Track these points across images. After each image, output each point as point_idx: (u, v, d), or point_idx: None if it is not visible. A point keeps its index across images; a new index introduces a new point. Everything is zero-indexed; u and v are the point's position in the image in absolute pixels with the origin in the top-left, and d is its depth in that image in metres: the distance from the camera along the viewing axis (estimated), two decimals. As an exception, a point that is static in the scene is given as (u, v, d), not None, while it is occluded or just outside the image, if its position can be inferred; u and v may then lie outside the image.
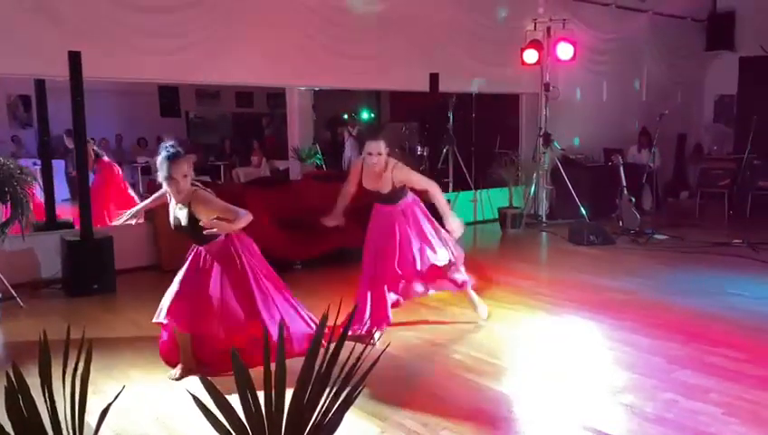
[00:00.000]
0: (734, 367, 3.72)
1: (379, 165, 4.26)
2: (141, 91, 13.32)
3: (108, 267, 5.75)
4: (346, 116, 13.00)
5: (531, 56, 8.81)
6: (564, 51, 8.67)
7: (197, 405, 1.84)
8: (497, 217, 9.06)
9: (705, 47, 11.34)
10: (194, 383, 1.88)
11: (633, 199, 8.48)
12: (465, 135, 10.35)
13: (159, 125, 14.35)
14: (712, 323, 4.59)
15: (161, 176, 3.63)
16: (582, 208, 8.55)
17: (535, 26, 8.95)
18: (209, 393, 1.82)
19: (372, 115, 13.83)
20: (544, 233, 8.58)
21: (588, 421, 3.07)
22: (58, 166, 9.18)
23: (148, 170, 12.19)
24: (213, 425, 1.85)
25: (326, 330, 1.99)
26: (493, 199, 9.38)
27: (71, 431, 1.85)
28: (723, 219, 9.30)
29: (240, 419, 1.83)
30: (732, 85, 10.82)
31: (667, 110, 9.07)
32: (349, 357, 1.86)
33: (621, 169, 8.57)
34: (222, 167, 12.60)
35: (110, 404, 1.89)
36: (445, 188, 9.48)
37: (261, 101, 15.43)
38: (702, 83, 11.61)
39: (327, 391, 1.84)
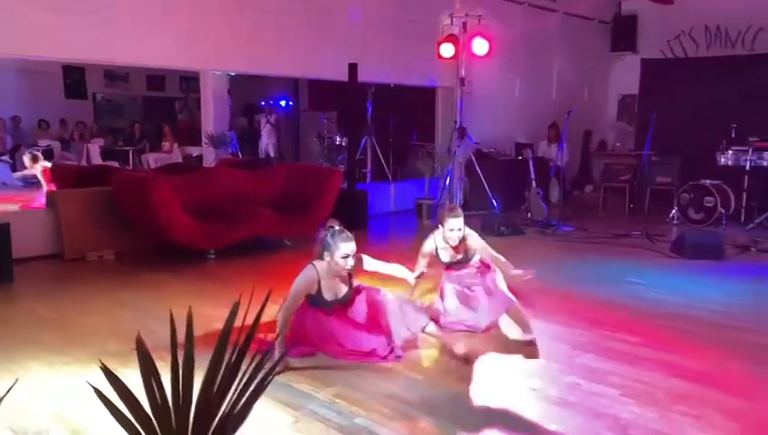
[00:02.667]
0: (632, 351, 3.94)
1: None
2: (43, 71, 12.57)
3: (4, 256, 5.39)
4: (263, 103, 12.79)
5: (447, 50, 8.92)
6: (480, 46, 8.84)
7: (100, 399, 1.77)
8: (414, 207, 9.20)
9: (611, 48, 11.90)
10: (96, 376, 1.80)
11: (541, 192, 8.82)
12: (383, 126, 10.42)
13: (63, 107, 13.61)
14: (613, 309, 4.85)
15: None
16: (494, 200, 8.80)
17: (452, 21, 9.08)
18: (113, 386, 1.75)
19: (290, 103, 13.67)
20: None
21: (497, 405, 3.17)
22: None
23: (50, 154, 11.53)
24: (117, 419, 1.79)
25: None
26: (410, 191, 9.50)
27: (-42, 429, 1.74)
28: (624, 212, 9.83)
29: (146, 412, 1.78)
30: (634, 85, 11.41)
31: (574, 107, 9.45)
32: (259, 346, 1.84)
33: (531, 162, 8.89)
34: (131, 152, 12.11)
35: (0, 399, 1.79)
36: (363, 179, 9.54)
37: (173, 85, 14.92)
38: (607, 83, 12.19)
39: (237, 380, 1.81)
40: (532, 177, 8.80)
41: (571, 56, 11.18)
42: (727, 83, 9.51)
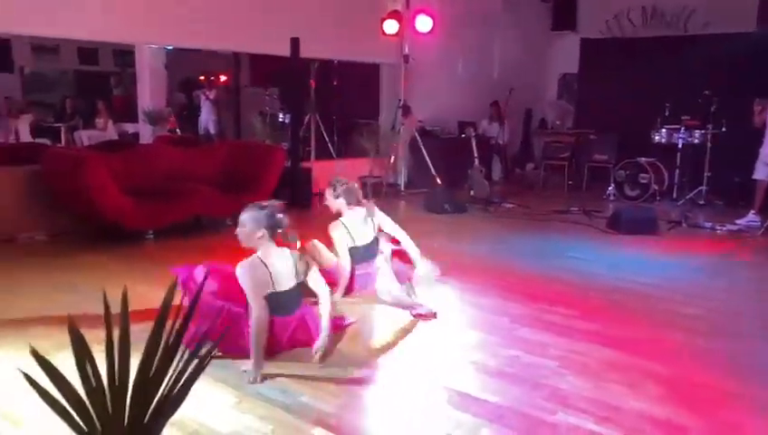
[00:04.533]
0: (568, 323, 4.06)
1: None
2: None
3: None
4: (202, 78, 12.45)
5: (391, 27, 8.90)
6: (423, 23, 8.85)
7: (31, 384, 1.70)
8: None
9: (552, 27, 12.08)
10: (28, 361, 1.73)
11: (483, 170, 8.94)
12: (327, 103, 10.32)
13: (-12, 81, 12.93)
14: (551, 283, 4.98)
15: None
16: (437, 178, 8.87)
17: (395, -3, 9.03)
18: (44, 370, 1.69)
19: (231, 78, 13.34)
20: (402, 201, 8.84)
21: (440, 379, 3.22)
22: None
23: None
24: (50, 405, 1.73)
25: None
26: (354, 168, 9.45)
27: None
28: (563, 189, 10.07)
29: (80, 396, 1.72)
30: (574, 64, 11.63)
31: (515, 85, 9.57)
32: (199, 327, 1.80)
33: (473, 140, 8.99)
34: (63, 129, 11.61)
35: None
36: (307, 157, 9.43)
37: (107, 59, 14.35)
38: (548, 61, 12.37)
39: (175, 361, 1.77)
40: (475, 155, 8.90)
41: (512, 34, 11.27)
42: (662, 63, 9.81)
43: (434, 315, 4.15)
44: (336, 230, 4.48)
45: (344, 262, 4.45)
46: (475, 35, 10.55)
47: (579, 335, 3.86)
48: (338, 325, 3.81)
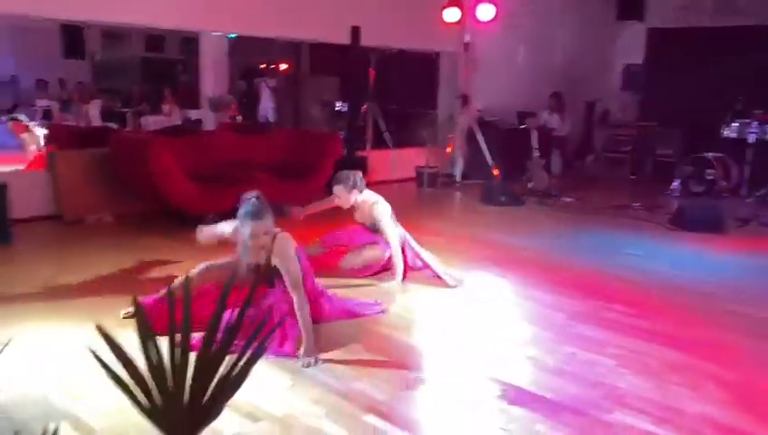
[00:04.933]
0: (627, 321, 3.96)
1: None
2: (40, 29, 12.39)
3: (2, 217, 5.38)
4: (263, 66, 12.63)
5: (452, 15, 8.81)
6: (485, 11, 8.72)
7: (97, 360, 1.77)
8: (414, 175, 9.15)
9: (617, 16, 11.70)
10: (93, 337, 1.80)
11: (543, 162, 8.77)
12: (385, 92, 10.32)
13: (61, 66, 13.48)
14: (609, 280, 4.86)
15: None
16: (495, 169, 8.76)
17: (457, -15, 8.93)
18: (109, 347, 1.75)
19: (291, 67, 13.50)
20: (458, 192, 8.77)
21: (494, 373, 3.19)
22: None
23: (49, 114, 11.45)
24: (113, 380, 1.79)
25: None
26: (411, 158, 9.44)
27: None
28: (625, 183, 9.79)
29: (142, 375, 1.78)
30: (639, 55, 11.26)
31: (577, 76, 9.34)
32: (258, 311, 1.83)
33: (534, 132, 8.83)
34: (130, 114, 12.00)
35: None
36: (363, 146, 9.46)
37: (173, 47, 14.74)
38: (612, 52, 12.01)
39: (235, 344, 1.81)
40: (535, 146, 8.75)
41: (576, 23, 11.00)
42: (734, 54, 9.39)
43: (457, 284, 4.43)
44: (385, 213, 4.56)
45: (395, 242, 4.55)
46: (537, 24, 10.34)
47: (637, 333, 3.76)
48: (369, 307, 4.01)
